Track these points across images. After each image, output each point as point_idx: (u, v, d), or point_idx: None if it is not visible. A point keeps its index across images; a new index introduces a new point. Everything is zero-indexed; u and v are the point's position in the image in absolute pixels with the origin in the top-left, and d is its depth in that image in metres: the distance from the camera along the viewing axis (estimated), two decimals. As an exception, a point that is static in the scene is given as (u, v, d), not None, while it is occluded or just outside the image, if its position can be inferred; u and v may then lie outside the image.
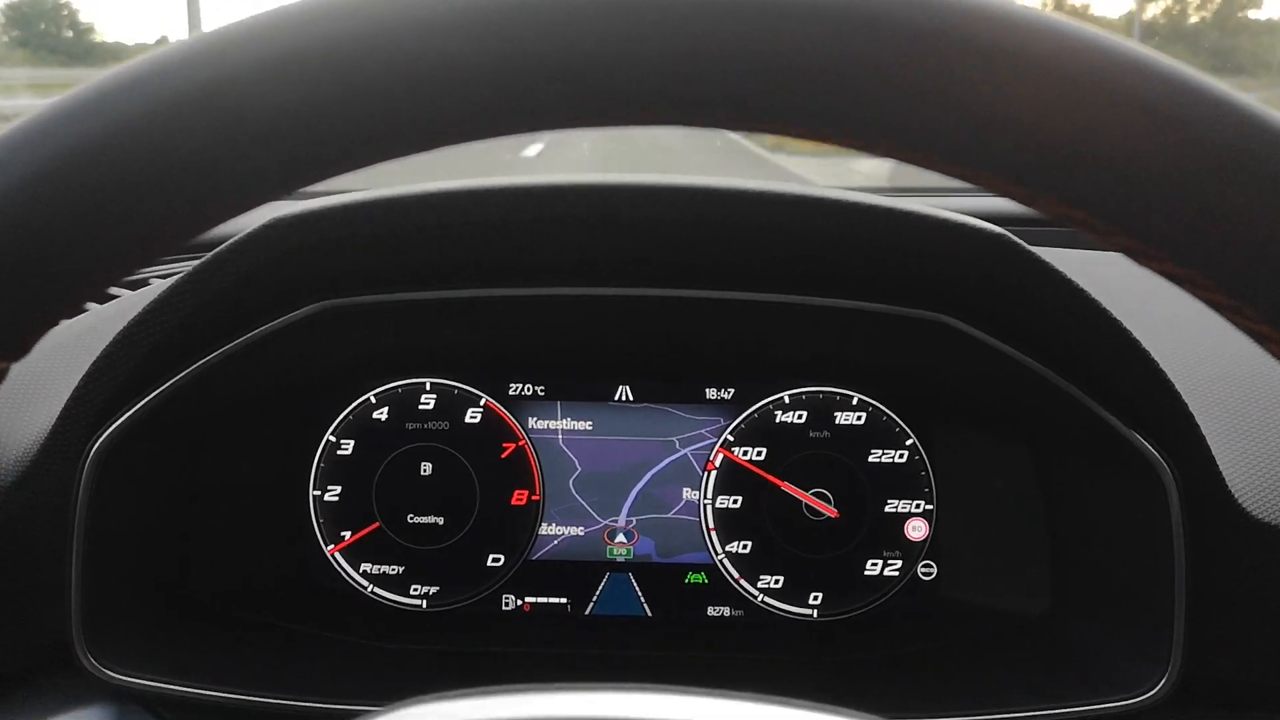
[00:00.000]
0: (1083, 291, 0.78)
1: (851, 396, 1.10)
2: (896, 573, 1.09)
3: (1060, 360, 0.86)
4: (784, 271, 0.92)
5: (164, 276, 1.17)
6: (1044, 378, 0.86)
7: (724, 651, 1.04)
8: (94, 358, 0.84)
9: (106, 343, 0.84)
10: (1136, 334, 0.80)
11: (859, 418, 1.10)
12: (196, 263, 0.82)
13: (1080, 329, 0.81)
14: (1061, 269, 0.78)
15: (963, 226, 0.77)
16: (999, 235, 0.77)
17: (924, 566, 1.09)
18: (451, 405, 1.11)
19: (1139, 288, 0.91)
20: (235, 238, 0.81)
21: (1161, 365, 0.81)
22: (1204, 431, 0.83)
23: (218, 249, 0.81)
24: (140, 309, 0.83)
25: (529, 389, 1.12)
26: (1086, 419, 0.86)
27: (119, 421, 0.85)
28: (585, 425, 1.12)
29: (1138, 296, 0.92)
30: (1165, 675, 0.82)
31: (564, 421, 1.12)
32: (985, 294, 0.85)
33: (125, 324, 0.83)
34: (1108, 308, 0.79)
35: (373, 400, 1.11)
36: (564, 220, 0.82)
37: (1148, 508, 0.84)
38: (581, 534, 1.11)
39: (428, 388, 1.11)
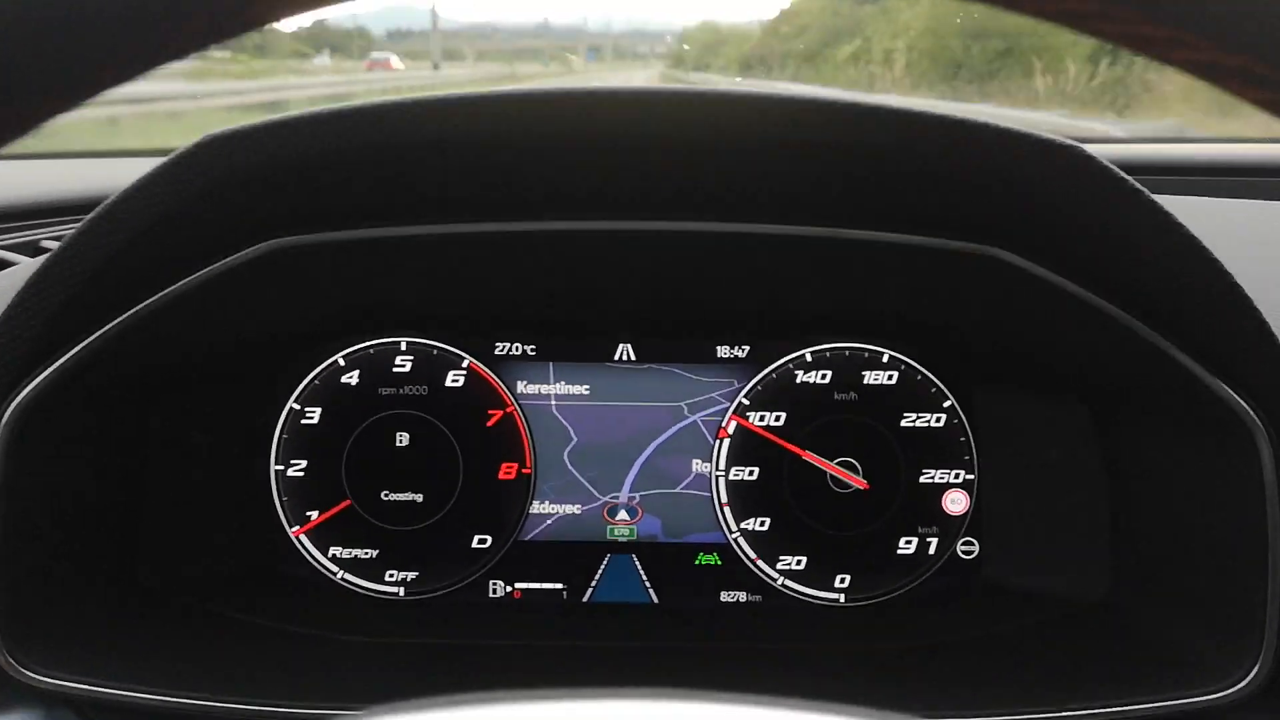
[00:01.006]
0: (1167, 213, 0.71)
1: (881, 353, 1.04)
2: (933, 551, 1.04)
3: (1135, 300, 0.79)
4: (808, 198, 0.84)
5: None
6: (1114, 320, 0.79)
7: (739, 641, 0.99)
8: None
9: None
10: None
11: (890, 377, 1.04)
12: (117, 194, 0.72)
13: (1162, 259, 0.73)
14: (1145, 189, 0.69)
15: (1034, 138, 0.71)
16: (1073, 148, 0.71)
17: (964, 544, 1.03)
18: (430, 367, 1.04)
19: (1229, 226, 0.82)
20: (164, 160, 0.71)
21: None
22: None
23: (144, 174, 0.72)
24: (53, 250, 0.73)
25: (517, 348, 1.05)
26: (1164, 369, 0.78)
27: (37, 380, 0.77)
28: (581, 389, 1.06)
29: (1229, 236, 0.83)
30: (1256, 665, 0.76)
31: (557, 385, 1.05)
32: (1051, 221, 0.78)
33: (36, 268, 0.74)
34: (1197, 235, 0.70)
35: (341, 363, 1.04)
36: (551, 137, 0.74)
37: (1234, 472, 0.78)
38: (578, 512, 1.05)
39: (403, 348, 1.04)
